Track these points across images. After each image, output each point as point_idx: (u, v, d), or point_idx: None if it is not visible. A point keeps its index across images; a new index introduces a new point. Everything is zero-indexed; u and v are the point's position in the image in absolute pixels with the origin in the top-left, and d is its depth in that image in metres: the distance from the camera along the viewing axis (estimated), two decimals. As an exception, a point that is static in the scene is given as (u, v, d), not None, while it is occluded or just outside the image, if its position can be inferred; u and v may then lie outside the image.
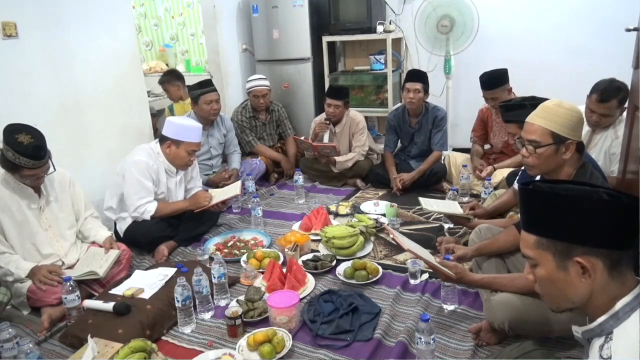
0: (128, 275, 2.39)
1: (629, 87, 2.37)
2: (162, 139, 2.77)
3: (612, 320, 0.97)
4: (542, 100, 1.89)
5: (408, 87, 3.50)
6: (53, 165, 2.26)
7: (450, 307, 2.10)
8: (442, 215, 2.99)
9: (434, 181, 3.59)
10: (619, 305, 0.97)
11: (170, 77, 4.33)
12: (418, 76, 3.52)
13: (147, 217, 2.71)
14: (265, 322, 2.06)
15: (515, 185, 2.49)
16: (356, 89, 4.47)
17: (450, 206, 2.69)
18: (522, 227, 1.08)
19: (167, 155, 2.77)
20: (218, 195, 2.95)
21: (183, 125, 2.76)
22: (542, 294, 1.09)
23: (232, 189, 2.96)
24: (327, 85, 4.29)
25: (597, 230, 0.97)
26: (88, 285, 2.34)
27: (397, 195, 3.53)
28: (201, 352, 1.90)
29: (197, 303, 2.14)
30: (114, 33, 3.19)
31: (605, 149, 2.73)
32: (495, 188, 3.06)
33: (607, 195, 0.97)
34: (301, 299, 2.19)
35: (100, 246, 2.48)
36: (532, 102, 2.05)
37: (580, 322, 1.07)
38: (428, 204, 2.70)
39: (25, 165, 2.12)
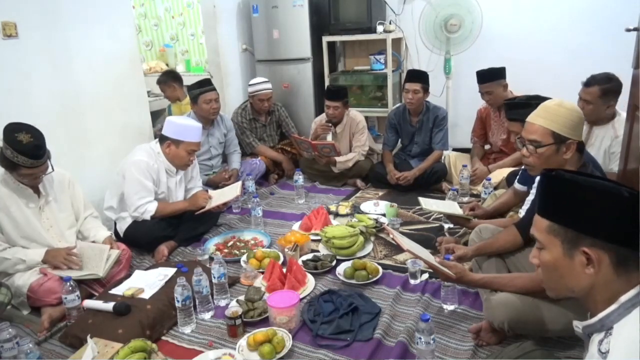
0: (128, 275, 2.38)
1: (629, 87, 2.37)
2: (162, 139, 2.77)
3: (613, 315, 0.97)
4: (547, 99, 1.89)
5: (407, 88, 3.51)
6: (52, 166, 2.26)
7: (450, 307, 2.10)
8: (442, 215, 2.99)
9: (434, 181, 3.59)
10: (621, 301, 0.97)
11: (167, 78, 4.32)
12: (417, 76, 3.52)
13: (147, 217, 2.71)
14: (265, 322, 2.06)
15: (516, 185, 2.48)
16: (356, 89, 4.47)
17: (450, 206, 2.69)
18: (536, 211, 1.09)
19: (167, 155, 2.77)
20: (218, 196, 2.95)
21: (183, 124, 2.76)
22: (543, 278, 1.10)
23: (232, 191, 2.95)
24: (327, 85, 4.29)
25: (611, 225, 0.97)
26: (88, 285, 2.34)
27: (397, 195, 3.53)
28: (201, 352, 1.90)
29: (197, 303, 2.14)
30: (114, 33, 3.19)
31: (605, 148, 2.73)
32: (495, 188, 3.06)
33: (627, 192, 0.97)
34: (301, 299, 2.19)
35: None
36: (537, 101, 2.04)
37: (582, 319, 1.07)
38: (428, 204, 2.70)
39: (24, 164, 2.12)
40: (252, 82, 3.98)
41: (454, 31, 3.90)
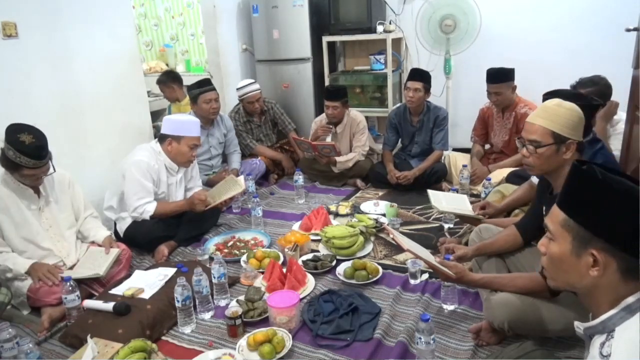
0: (128, 275, 2.38)
1: (629, 87, 2.37)
2: (162, 138, 2.77)
3: (615, 318, 0.97)
4: (596, 100, 1.88)
5: (409, 86, 3.52)
6: (53, 167, 2.26)
7: (450, 307, 2.10)
8: (442, 215, 2.99)
9: (434, 181, 3.58)
10: (624, 304, 0.96)
11: (166, 79, 4.32)
12: (419, 75, 3.52)
13: (147, 217, 2.71)
14: (265, 322, 2.06)
15: (534, 179, 2.45)
16: (356, 89, 4.47)
17: (459, 201, 2.66)
18: (556, 203, 1.06)
19: (169, 153, 2.77)
20: (217, 193, 2.93)
21: (181, 120, 2.77)
22: (546, 267, 1.09)
23: (236, 186, 2.94)
24: (326, 85, 4.28)
25: (629, 233, 0.94)
26: (88, 285, 2.34)
27: (397, 195, 3.52)
28: (201, 352, 1.90)
29: (197, 303, 2.14)
30: (114, 33, 3.18)
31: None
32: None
33: None
34: (301, 299, 2.19)
35: (100, 246, 2.48)
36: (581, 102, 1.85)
37: (582, 319, 1.07)
38: (437, 198, 2.67)
39: (26, 164, 2.12)
40: (239, 85, 3.95)
41: (448, 32, 3.90)
